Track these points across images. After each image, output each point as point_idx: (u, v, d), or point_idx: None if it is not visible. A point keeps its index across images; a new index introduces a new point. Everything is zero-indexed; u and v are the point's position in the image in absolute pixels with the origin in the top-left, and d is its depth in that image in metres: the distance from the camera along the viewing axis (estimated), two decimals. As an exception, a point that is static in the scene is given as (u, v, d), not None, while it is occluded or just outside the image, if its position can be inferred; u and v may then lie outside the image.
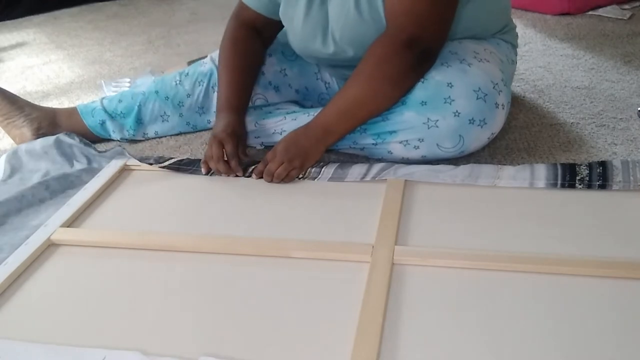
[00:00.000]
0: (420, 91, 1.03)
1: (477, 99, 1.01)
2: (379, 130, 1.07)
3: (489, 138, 1.06)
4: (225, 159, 1.12)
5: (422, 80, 1.03)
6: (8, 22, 2.70)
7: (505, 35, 1.20)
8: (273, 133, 1.20)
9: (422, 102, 1.02)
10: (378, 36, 1.03)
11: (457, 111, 1.01)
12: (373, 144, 1.09)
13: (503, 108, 1.04)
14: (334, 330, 0.75)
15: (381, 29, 1.04)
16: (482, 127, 1.02)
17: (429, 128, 1.03)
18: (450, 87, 1.01)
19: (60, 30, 2.50)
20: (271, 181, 1.08)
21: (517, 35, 1.26)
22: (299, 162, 1.07)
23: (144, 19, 2.56)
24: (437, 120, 1.02)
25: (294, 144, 1.07)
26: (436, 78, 1.02)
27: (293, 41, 1.20)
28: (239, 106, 1.19)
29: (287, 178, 1.08)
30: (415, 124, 1.03)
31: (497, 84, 1.03)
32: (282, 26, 1.22)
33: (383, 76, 1.02)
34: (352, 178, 1.08)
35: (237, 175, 1.12)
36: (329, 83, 1.32)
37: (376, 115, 1.06)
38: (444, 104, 1.01)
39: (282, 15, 1.18)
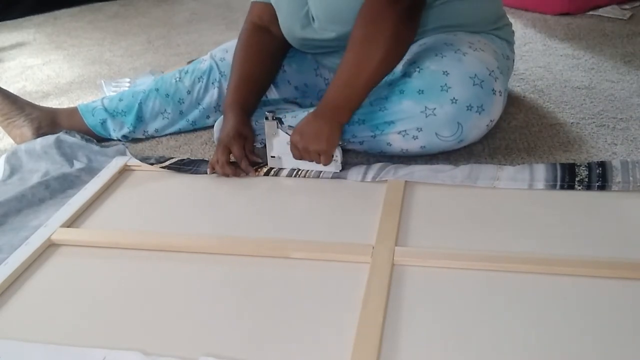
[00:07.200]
0: (417, 80, 1.03)
1: (474, 85, 1.01)
2: (377, 121, 1.07)
3: (487, 126, 1.06)
4: (233, 160, 1.13)
5: (417, 69, 1.04)
6: (8, 22, 2.70)
7: (500, 31, 1.20)
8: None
9: (420, 90, 1.02)
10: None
11: (454, 98, 1.01)
12: (372, 136, 1.09)
13: (500, 95, 1.04)
14: (334, 330, 0.75)
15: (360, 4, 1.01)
16: (480, 113, 1.03)
17: (427, 117, 1.03)
18: (446, 75, 1.01)
19: (60, 30, 2.50)
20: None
21: (513, 32, 1.26)
22: (317, 145, 1.04)
23: (144, 19, 2.56)
24: (435, 109, 1.02)
25: (306, 129, 1.05)
26: (431, 67, 1.03)
27: (282, 25, 1.20)
28: (244, 107, 1.19)
29: (324, 159, 1.07)
30: (413, 113, 1.03)
31: (492, 71, 1.03)
32: None
33: (372, 37, 0.98)
34: (352, 179, 1.08)
35: (248, 175, 1.13)
36: (327, 79, 1.32)
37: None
38: (441, 91, 1.01)
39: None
